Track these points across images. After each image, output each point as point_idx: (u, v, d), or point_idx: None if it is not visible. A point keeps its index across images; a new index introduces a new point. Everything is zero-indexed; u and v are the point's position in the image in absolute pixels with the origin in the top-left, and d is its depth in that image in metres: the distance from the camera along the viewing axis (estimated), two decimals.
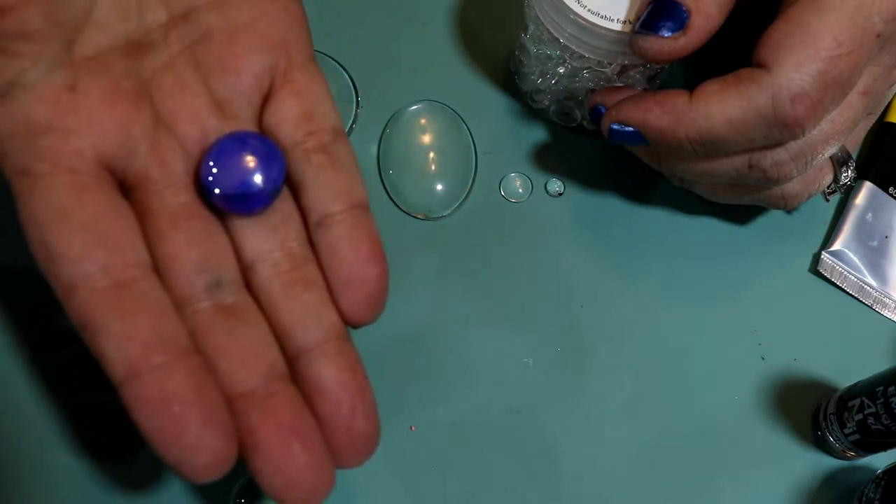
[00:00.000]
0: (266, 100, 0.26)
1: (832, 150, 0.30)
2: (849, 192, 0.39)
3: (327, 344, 0.24)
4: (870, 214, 0.39)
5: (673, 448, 0.34)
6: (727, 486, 0.34)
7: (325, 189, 0.25)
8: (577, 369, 0.35)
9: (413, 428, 0.33)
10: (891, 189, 0.39)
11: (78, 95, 0.23)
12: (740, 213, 0.38)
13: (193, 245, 0.24)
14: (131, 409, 0.21)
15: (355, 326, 0.25)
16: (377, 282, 0.25)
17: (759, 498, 0.34)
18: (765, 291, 0.37)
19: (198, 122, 0.25)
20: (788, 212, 0.39)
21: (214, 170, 0.24)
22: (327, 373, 0.24)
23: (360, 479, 0.32)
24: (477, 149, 0.38)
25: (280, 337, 0.24)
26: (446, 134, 0.38)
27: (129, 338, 0.22)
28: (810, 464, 0.34)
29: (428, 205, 0.37)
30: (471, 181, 0.37)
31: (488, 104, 0.39)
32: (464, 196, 0.37)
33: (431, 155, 0.37)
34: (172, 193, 0.24)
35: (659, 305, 0.36)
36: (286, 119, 0.26)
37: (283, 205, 0.26)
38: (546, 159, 0.38)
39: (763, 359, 0.36)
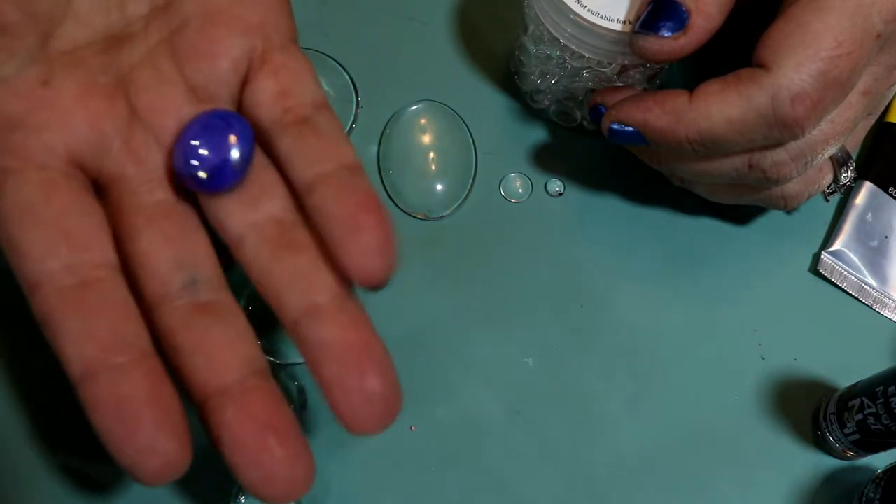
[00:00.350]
0: (245, 84, 0.26)
1: (832, 150, 0.30)
2: (849, 192, 0.39)
3: (326, 304, 0.23)
4: (870, 214, 0.38)
5: (673, 448, 0.34)
6: (727, 486, 0.34)
7: (307, 156, 0.24)
8: (577, 369, 0.35)
9: (413, 428, 0.33)
10: (891, 189, 0.39)
11: (51, 91, 0.23)
12: (740, 213, 0.38)
13: (169, 242, 0.24)
14: (87, 409, 0.21)
15: (371, 288, 0.23)
16: (376, 230, 0.23)
17: (759, 498, 0.34)
18: (765, 291, 0.37)
19: (174, 113, 0.25)
20: (788, 212, 0.39)
21: (183, 155, 0.24)
22: (329, 333, 0.23)
23: (359, 478, 0.32)
24: (477, 149, 0.38)
25: (276, 304, 0.24)
26: (446, 134, 0.38)
27: (88, 337, 0.21)
28: (810, 464, 0.34)
29: (428, 205, 0.37)
30: (471, 181, 0.37)
31: (488, 104, 0.39)
32: (464, 196, 0.37)
33: (431, 155, 0.37)
34: (148, 190, 0.24)
35: (659, 305, 0.36)
36: (264, 99, 0.25)
37: (262, 175, 0.25)
38: (546, 159, 0.38)
39: (763, 359, 0.36)
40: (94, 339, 0.21)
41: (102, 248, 0.23)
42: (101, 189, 0.24)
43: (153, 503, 0.31)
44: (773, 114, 0.27)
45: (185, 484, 0.32)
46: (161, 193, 0.24)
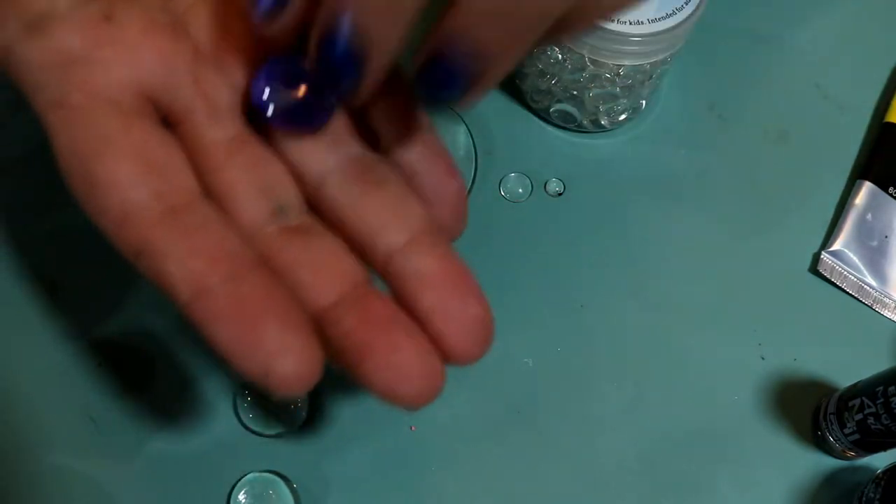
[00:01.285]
0: None
1: None
2: (849, 192, 0.39)
3: (420, 237, 0.23)
4: (870, 214, 0.39)
5: (673, 448, 0.34)
6: (727, 486, 0.34)
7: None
8: (577, 369, 0.35)
9: (413, 428, 0.33)
10: (891, 189, 0.39)
11: (115, 26, 0.22)
12: (740, 214, 0.38)
13: (252, 173, 0.23)
14: (203, 328, 0.20)
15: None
16: (459, 195, 0.25)
17: (759, 498, 0.34)
18: (765, 291, 0.37)
19: (242, 54, 0.24)
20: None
21: (268, 90, 0.23)
22: (428, 264, 0.22)
23: (359, 478, 0.32)
24: (477, 149, 0.38)
25: (367, 243, 0.23)
26: (446, 134, 0.38)
27: (193, 254, 0.21)
28: (810, 464, 0.34)
29: None
30: (471, 181, 0.37)
31: (488, 104, 0.39)
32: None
33: None
34: (221, 126, 0.23)
35: (659, 305, 0.36)
36: None
37: (339, 121, 0.24)
38: (546, 159, 0.38)
39: (763, 359, 0.36)
40: (201, 253, 0.21)
41: (186, 177, 0.22)
42: (170, 126, 0.24)
43: (153, 502, 0.31)
44: None
45: (185, 484, 0.32)
46: (234, 128, 0.24)
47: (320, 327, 0.22)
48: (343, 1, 0.20)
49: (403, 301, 0.22)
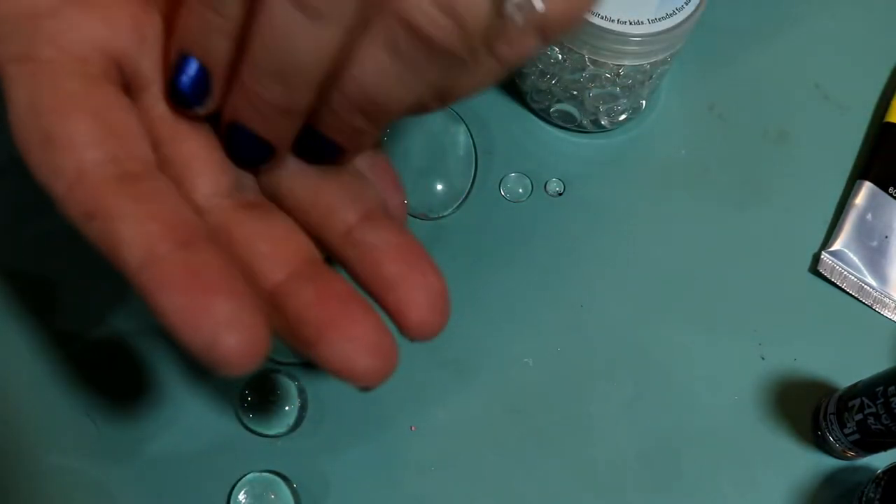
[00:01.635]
0: None
1: None
2: (849, 192, 0.39)
3: (376, 214, 0.23)
4: (870, 214, 0.39)
5: (673, 448, 0.34)
6: (727, 486, 0.34)
7: None
8: (577, 369, 0.35)
9: (413, 428, 0.33)
10: (891, 189, 0.39)
11: None
12: (741, 213, 0.38)
13: (212, 148, 0.23)
14: (150, 297, 0.19)
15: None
16: (402, 212, 0.25)
17: (759, 498, 0.34)
18: (765, 291, 0.37)
19: None
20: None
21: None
22: (388, 236, 0.23)
23: (359, 478, 0.32)
24: (477, 149, 0.38)
25: (324, 220, 0.23)
26: (446, 134, 0.38)
27: (147, 218, 0.20)
28: (810, 464, 0.34)
29: (428, 205, 0.37)
30: (471, 181, 0.37)
31: (488, 104, 0.39)
32: (464, 196, 0.37)
33: (431, 155, 0.37)
34: None
35: (659, 305, 0.36)
36: None
37: None
38: (546, 159, 0.38)
39: (763, 359, 0.36)
40: (155, 218, 0.20)
41: (143, 146, 0.22)
42: (130, 95, 0.23)
43: (153, 502, 0.31)
44: None
45: (184, 484, 0.32)
46: None
47: (273, 302, 0.22)
48: (238, 113, 0.21)
49: (365, 271, 0.22)
